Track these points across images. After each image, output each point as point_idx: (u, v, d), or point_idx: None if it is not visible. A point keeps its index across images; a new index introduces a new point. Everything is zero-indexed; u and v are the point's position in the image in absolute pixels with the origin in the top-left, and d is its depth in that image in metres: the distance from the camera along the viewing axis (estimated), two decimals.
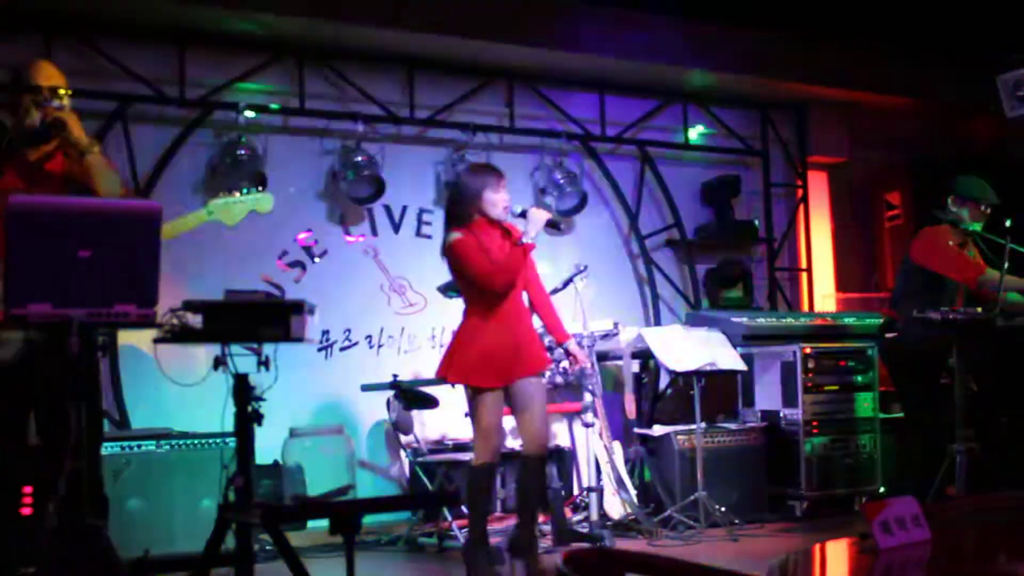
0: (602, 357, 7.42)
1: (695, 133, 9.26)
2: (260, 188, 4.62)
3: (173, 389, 4.17)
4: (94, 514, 3.69)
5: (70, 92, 4.63)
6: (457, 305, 7.03)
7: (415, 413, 6.98)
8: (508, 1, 7.86)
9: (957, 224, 6.37)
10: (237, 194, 4.59)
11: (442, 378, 5.49)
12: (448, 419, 7.38)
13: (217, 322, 3.92)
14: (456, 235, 5.35)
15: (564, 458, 7.60)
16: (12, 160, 4.41)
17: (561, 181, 8.39)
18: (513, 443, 8.02)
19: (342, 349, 7.85)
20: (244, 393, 3.99)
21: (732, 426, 7.52)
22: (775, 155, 9.65)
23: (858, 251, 10.00)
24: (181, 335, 3.87)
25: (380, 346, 7.98)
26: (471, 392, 5.36)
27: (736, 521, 6.84)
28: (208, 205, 4.49)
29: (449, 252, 5.37)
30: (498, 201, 5.42)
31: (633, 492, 6.92)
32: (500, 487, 7.33)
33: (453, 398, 6.86)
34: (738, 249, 9.37)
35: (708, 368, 6.89)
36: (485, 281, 5.30)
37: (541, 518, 6.50)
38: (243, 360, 4.01)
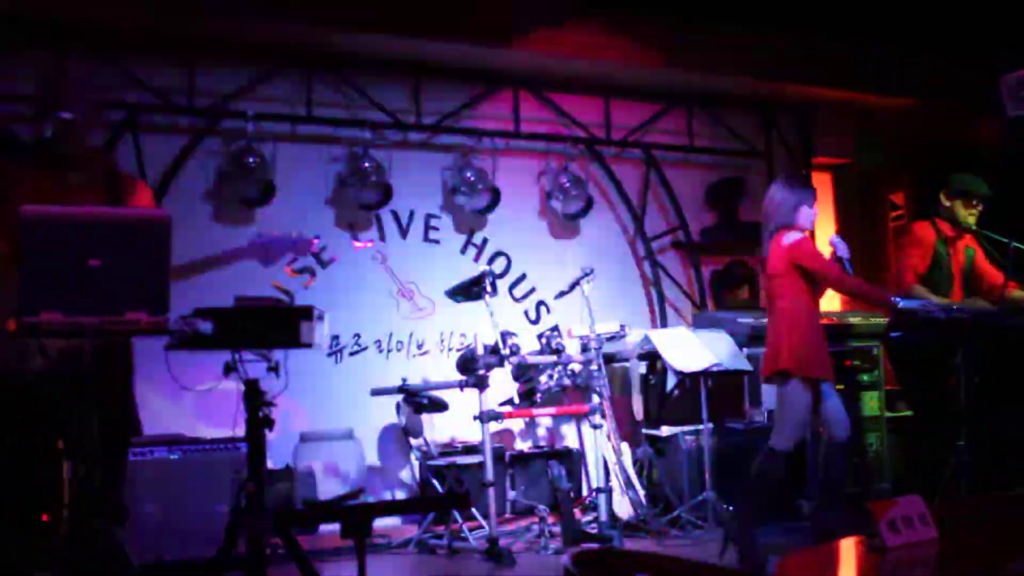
0: (609, 359, 7.42)
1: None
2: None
3: (185, 396, 4.17)
4: (109, 519, 3.69)
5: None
6: (465, 310, 7.08)
7: (424, 417, 6.99)
8: (513, 7, 7.86)
9: (952, 219, 6.37)
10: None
11: (784, 371, 5.50)
12: (457, 422, 7.39)
13: (228, 328, 3.92)
14: (796, 235, 5.57)
15: (573, 459, 7.61)
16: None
17: (567, 185, 8.39)
18: (522, 444, 8.04)
19: (352, 354, 7.86)
20: (255, 399, 3.99)
21: (739, 426, 7.51)
22: (779, 157, 9.64)
23: (862, 251, 9.97)
24: (192, 342, 3.88)
25: (389, 351, 7.98)
26: (800, 382, 5.46)
27: None
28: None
29: (794, 249, 5.53)
30: (812, 216, 5.68)
31: (642, 492, 6.91)
32: (510, 489, 7.34)
33: (462, 402, 6.87)
34: (743, 250, 9.36)
35: (715, 369, 6.88)
36: (832, 278, 5.53)
37: (550, 519, 6.50)
38: (254, 366, 4.01)
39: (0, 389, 4.09)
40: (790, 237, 5.57)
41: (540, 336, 6.92)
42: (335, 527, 3.93)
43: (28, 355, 3.99)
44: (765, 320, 7.88)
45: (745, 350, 7.32)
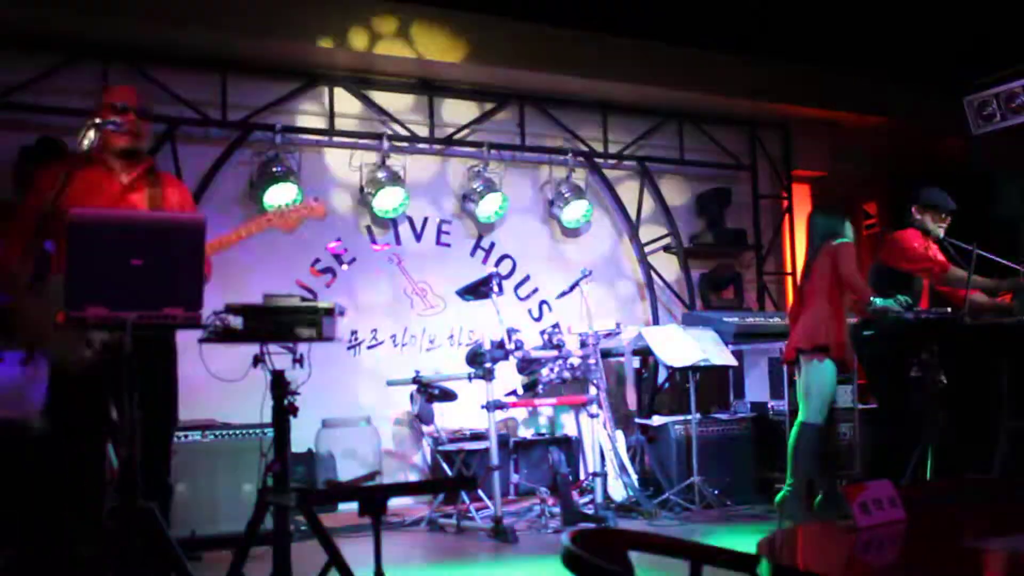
0: (606, 354, 7.42)
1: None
2: (315, 198, 4.58)
3: (217, 384, 4.17)
4: (151, 498, 3.69)
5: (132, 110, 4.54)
6: (473, 308, 7.08)
7: (436, 405, 6.99)
8: (519, 29, 7.87)
9: (922, 230, 6.37)
10: (289, 203, 4.57)
11: (822, 347, 5.84)
12: (466, 411, 7.38)
13: (256, 323, 3.92)
14: (846, 240, 5.92)
15: (571, 446, 7.61)
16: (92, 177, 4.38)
17: (568, 194, 8.39)
18: (525, 432, 8.04)
19: (369, 347, 7.86)
20: (280, 388, 3.99)
21: (724, 416, 7.51)
22: (762, 169, 9.64)
23: None
24: (224, 335, 3.88)
25: (404, 345, 7.99)
26: (830, 362, 5.82)
27: (728, 503, 6.84)
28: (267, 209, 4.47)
29: (839, 248, 5.87)
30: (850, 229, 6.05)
31: (634, 477, 6.92)
32: (514, 472, 7.34)
33: (470, 392, 6.87)
34: (729, 255, 9.36)
35: (702, 364, 6.89)
36: (853, 285, 5.80)
37: (550, 500, 6.49)
38: (279, 358, 4.01)
39: (53, 378, 4.11)
40: (839, 240, 5.89)
41: (542, 333, 6.92)
42: (353, 506, 3.92)
43: (75, 347, 3.99)
44: (750, 319, 7.95)
45: (730, 346, 7.33)
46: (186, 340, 4.20)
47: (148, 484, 3.67)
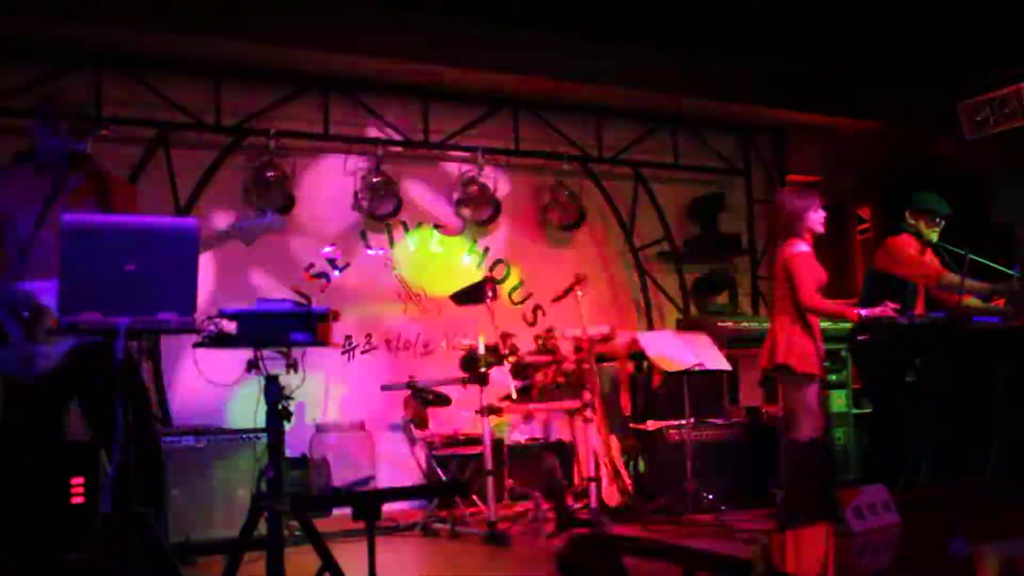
0: (600, 359, 7.41)
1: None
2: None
3: (211, 389, 4.17)
4: (146, 502, 3.69)
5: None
6: (468, 312, 7.08)
7: (430, 410, 6.98)
8: (513, 35, 7.87)
9: (916, 235, 6.38)
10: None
11: (781, 366, 5.59)
12: (460, 416, 7.38)
13: (250, 328, 3.93)
14: (802, 247, 5.63)
15: (566, 451, 7.60)
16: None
17: (562, 199, 8.39)
18: (519, 436, 8.03)
19: (363, 352, 7.85)
20: (274, 392, 3.99)
21: (719, 421, 7.50)
22: (756, 174, 9.65)
23: (832, 261, 9.97)
24: (218, 340, 3.88)
25: (398, 349, 7.98)
26: (804, 378, 5.57)
27: (723, 507, 6.83)
28: None
29: (790, 259, 5.61)
30: (820, 218, 5.71)
31: (628, 482, 6.91)
32: (508, 477, 7.33)
33: (464, 397, 6.87)
34: (723, 260, 9.36)
35: (697, 368, 6.88)
36: (803, 297, 5.55)
37: (544, 505, 6.49)
38: (274, 362, 4.01)
39: (15, 390, 4.11)
40: (795, 248, 5.66)
41: (537, 337, 6.93)
42: (347, 511, 3.92)
43: (32, 359, 4.00)
44: (744, 324, 7.96)
45: (724, 351, 7.32)
46: (181, 345, 4.21)
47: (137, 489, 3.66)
